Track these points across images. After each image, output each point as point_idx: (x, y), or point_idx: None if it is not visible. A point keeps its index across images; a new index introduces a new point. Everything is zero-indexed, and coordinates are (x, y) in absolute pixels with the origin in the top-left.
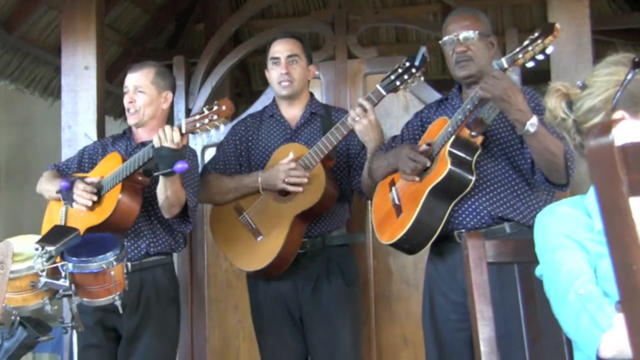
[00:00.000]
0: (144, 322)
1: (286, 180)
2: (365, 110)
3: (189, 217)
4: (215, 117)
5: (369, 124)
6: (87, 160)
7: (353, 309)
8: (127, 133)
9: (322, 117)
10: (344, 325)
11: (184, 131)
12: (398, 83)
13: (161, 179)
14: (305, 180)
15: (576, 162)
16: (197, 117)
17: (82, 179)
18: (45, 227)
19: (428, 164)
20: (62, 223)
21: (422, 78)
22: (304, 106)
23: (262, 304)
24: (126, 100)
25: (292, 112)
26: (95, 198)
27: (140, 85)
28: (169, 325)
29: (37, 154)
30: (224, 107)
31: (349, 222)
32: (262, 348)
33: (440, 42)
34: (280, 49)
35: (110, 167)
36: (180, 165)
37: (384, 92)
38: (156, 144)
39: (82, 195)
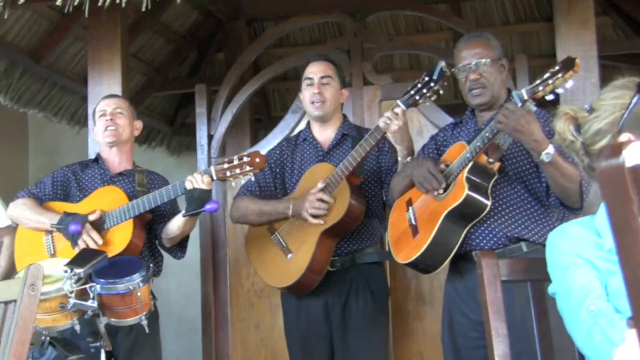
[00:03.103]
0: (139, 341)
1: (309, 211)
2: (396, 114)
3: (186, 246)
4: (248, 167)
5: (403, 125)
6: (59, 187)
7: (380, 326)
8: (100, 161)
9: (353, 137)
10: (371, 343)
11: (214, 178)
12: (417, 97)
13: (184, 218)
14: (324, 212)
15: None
16: (226, 165)
17: (86, 217)
18: (22, 256)
19: (443, 184)
20: (51, 253)
21: (442, 91)
22: (336, 128)
23: (293, 321)
24: (104, 121)
25: (325, 135)
26: (101, 241)
27: (120, 107)
28: (157, 341)
29: None
30: (257, 160)
31: (383, 239)
32: None
33: (453, 70)
34: (314, 70)
35: (111, 200)
36: (210, 206)
37: (404, 107)
38: (188, 186)
39: (93, 236)
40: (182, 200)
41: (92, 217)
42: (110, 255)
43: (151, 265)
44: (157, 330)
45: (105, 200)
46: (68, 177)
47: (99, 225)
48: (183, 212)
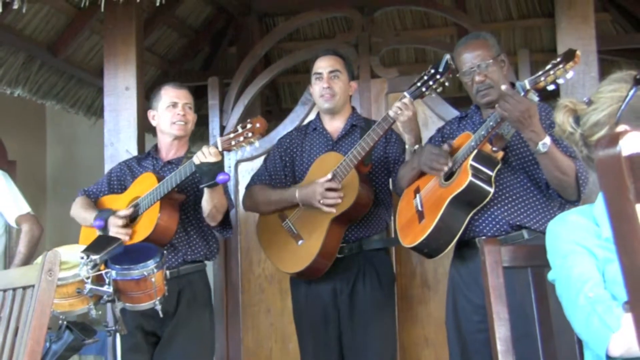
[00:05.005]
0: (181, 326)
1: (321, 201)
2: (406, 104)
3: (230, 223)
4: (249, 134)
5: (413, 115)
6: (115, 181)
7: (387, 310)
8: (152, 152)
9: (361, 128)
10: (379, 327)
11: (220, 149)
12: (424, 89)
13: (207, 191)
14: (339, 200)
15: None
16: (232, 135)
17: (114, 213)
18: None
19: (449, 161)
20: None
21: (447, 84)
22: (345, 119)
23: (303, 306)
24: (174, 113)
25: (334, 125)
26: (128, 236)
27: (189, 102)
28: (204, 329)
29: (81, 169)
30: (257, 125)
31: (389, 227)
32: (302, 347)
33: (457, 75)
34: (323, 64)
35: (145, 186)
36: (221, 177)
37: (410, 98)
38: (196, 161)
39: (118, 232)
40: None
41: (121, 213)
42: (141, 237)
43: (165, 252)
44: (206, 319)
45: (141, 187)
46: (124, 171)
47: (136, 211)
48: None
